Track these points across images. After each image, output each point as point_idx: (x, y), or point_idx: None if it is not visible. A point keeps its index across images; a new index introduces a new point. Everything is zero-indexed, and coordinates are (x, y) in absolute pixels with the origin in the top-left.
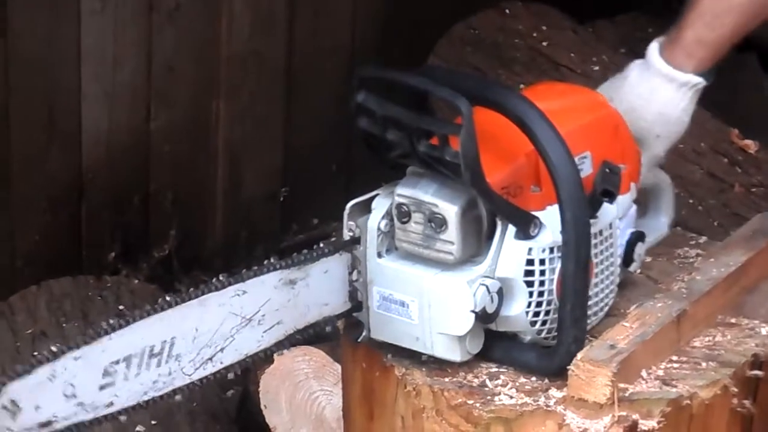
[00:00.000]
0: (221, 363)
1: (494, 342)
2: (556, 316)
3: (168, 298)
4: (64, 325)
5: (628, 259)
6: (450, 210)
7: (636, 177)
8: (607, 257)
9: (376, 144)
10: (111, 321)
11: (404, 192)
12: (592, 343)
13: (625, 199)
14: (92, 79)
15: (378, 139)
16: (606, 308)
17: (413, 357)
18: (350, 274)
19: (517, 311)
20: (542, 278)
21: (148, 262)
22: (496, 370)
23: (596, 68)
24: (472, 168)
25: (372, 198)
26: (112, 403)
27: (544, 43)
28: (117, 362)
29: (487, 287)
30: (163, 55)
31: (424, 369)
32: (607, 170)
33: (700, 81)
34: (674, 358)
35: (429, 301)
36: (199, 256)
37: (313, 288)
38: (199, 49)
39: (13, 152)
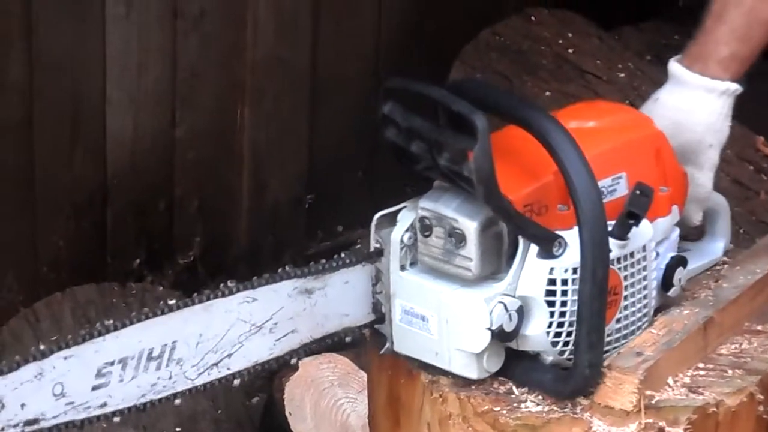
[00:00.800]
0: (228, 369)
1: (515, 361)
2: None
3: (170, 303)
4: None
5: (667, 283)
6: (470, 226)
7: (679, 200)
8: (639, 280)
9: (403, 156)
10: (106, 322)
11: (427, 205)
12: (620, 350)
13: (664, 222)
14: (117, 85)
15: (403, 151)
16: (638, 332)
17: None
18: (374, 285)
19: (538, 331)
20: (564, 299)
21: (173, 268)
22: None
23: (622, 75)
24: (485, 183)
25: (399, 210)
26: (105, 404)
27: (570, 50)
28: (111, 363)
29: (505, 305)
30: (187, 61)
31: (450, 376)
32: (638, 192)
33: (737, 87)
34: (701, 365)
35: (447, 317)
36: (225, 262)
37: (332, 298)
38: (224, 55)
39: (37, 158)
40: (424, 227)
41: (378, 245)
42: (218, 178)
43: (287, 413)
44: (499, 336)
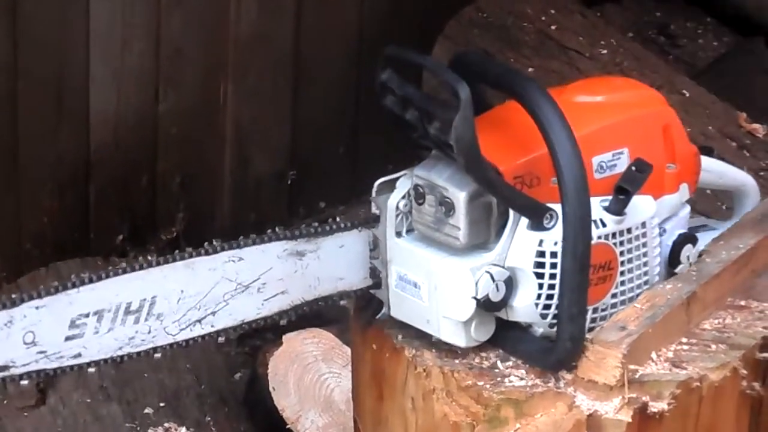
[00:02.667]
0: (212, 326)
1: (505, 331)
2: None
3: (149, 258)
4: None
5: (674, 260)
6: (458, 195)
7: (689, 178)
8: (638, 256)
9: (399, 123)
10: (81, 275)
11: (421, 174)
12: (603, 324)
13: (671, 199)
14: (100, 61)
15: (400, 118)
16: None
17: (423, 338)
18: (372, 251)
19: (526, 302)
20: (553, 271)
21: (155, 244)
22: None
23: (604, 52)
24: (465, 153)
25: (398, 178)
26: (79, 354)
27: (553, 27)
28: (86, 315)
29: (492, 275)
30: (170, 37)
31: (434, 350)
32: (633, 168)
33: None
34: (684, 340)
35: (435, 284)
36: (207, 238)
37: (325, 261)
38: (207, 31)
39: (21, 134)
40: (418, 195)
41: (376, 211)
42: (201, 154)
43: (271, 388)
44: (485, 305)
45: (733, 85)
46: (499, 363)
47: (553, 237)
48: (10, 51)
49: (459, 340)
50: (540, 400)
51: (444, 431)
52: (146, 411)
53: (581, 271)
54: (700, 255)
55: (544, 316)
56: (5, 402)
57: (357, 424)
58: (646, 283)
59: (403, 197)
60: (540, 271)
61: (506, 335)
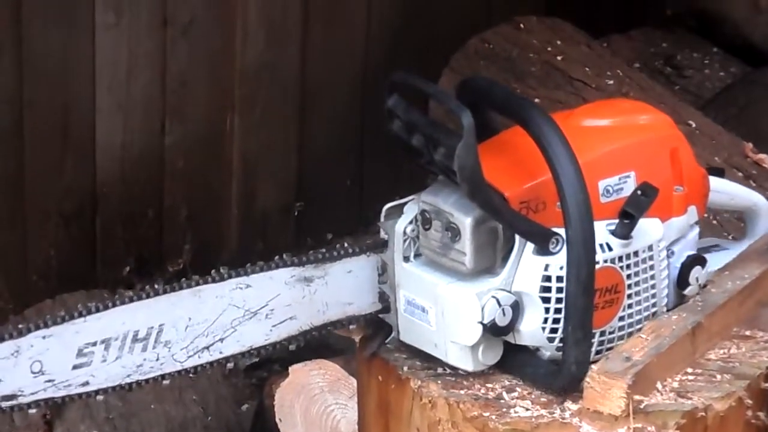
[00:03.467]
0: (221, 353)
1: (513, 355)
2: None
3: (156, 287)
4: None
5: (683, 282)
6: (464, 221)
7: (698, 200)
8: (646, 279)
9: (407, 149)
10: (87, 304)
11: (427, 199)
12: (608, 355)
13: (679, 222)
14: (106, 93)
15: (406, 144)
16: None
17: (429, 369)
18: (380, 275)
19: (533, 327)
20: (560, 295)
21: (162, 276)
22: (512, 383)
23: (610, 82)
24: (468, 180)
25: (406, 203)
26: (87, 383)
27: (559, 57)
28: (93, 344)
29: (498, 300)
30: (177, 69)
31: (440, 381)
32: (639, 192)
33: None
34: (689, 370)
35: (443, 309)
36: (214, 269)
37: (333, 287)
38: (213, 62)
39: (27, 166)
40: (425, 220)
41: (384, 236)
42: (207, 185)
43: (278, 420)
44: (492, 330)
45: (740, 115)
46: (504, 394)
47: (559, 261)
48: (16, 82)
49: (466, 364)
50: (545, 431)
51: None
52: None
53: (585, 295)
54: (704, 285)
55: (551, 340)
56: None
57: None
58: (654, 305)
59: (411, 222)
60: (546, 295)
61: (514, 359)
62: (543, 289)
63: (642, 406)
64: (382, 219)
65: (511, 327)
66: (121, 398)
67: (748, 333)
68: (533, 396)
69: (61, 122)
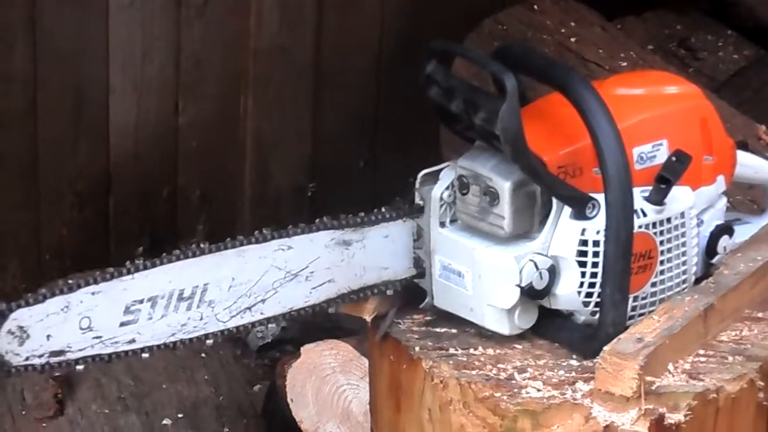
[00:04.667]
0: (262, 314)
1: (548, 319)
2: None
3: (201, 246)
4: None
5: (711, 251)
6: (503, 185)
7: (726, 170)
8: (677, 246)
9: (445, 115)
10: (135, 262)
11: (465, 164)
12: (620, 336)
13: (708, 191)
14: (120, 73)
15: (445, 110)
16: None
17: (441, 350)
18: (415, 241)
19: (569, 290)
20: (596, 260)
21: None
22: (524, 363)
23: (624, 64)
24: (512, 143)
25: (442, 169)
26: (133, 340)
27: (572, 39)
28: (140, 301)
29: (535, 264)
30: (191, 50)
31: (451, 362)
32: (674, 159)
33: None
34: (701, 352)
35: (480, 273)
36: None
37: (371, 251)
38: (228, 43)
39: (41, 146)
40: (462, 185)
41: (420, 202)
42: (221, 166)
43: (289, 400)
44: (529, 293)
45: (754, 98)
46: (516, 374)
47: (596, 226)
48: (30, 62)
49: (503, 327)
50: (557, 412)
51: None
52: (164, 422)
53: (624, 258)
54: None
55: (586, 304)
56: (24, 413)
57: None
58: (684, 273)
59: (447, 188)
60: (583, 259)
61: (548, 323)
62: (579, 254)
63: (653, 388)
64: (417, 185)
65: (548, 291)
66: (133, 378)
67: (760, 315)
68: (545, 377)
69: (75, 102)
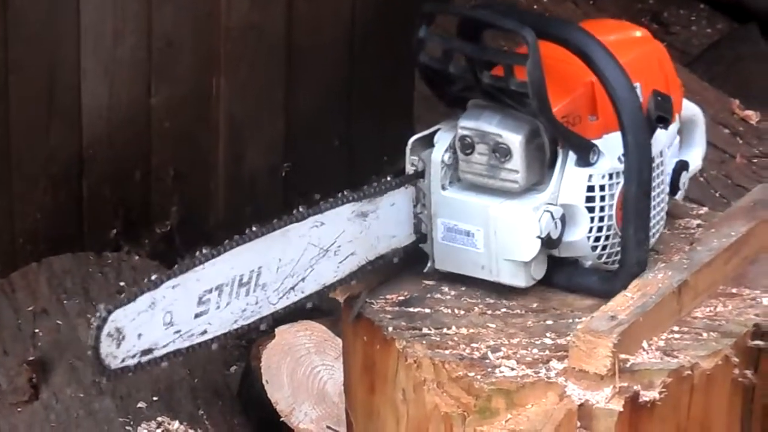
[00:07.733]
0: (303, 292)
1: (557, 268)
2: (615, 240)
3: (254, 229)
4: (65, 302)
5: (674, 187)
6: (514, 139)
7: (679, 108)
8: (659, 184)
9: (437, 79)
10: (204, 251)
11: (467, 124)
12: (593, 314)
13: (672, 129)
14: (92, 55)
15: (439, 73)
16: (657, 235)
17: (414, 329)
18: (415, 206)
19: (580, 236)
20: (602, 204)
21: (150, 238)
22: (497, 342)
23: None
24: (539, 96)
25: (433, 133)
26: (205, 331)
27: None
28: (210, 291)
29: (551, 213)
30: (162, 30)
31: (425, 342)
32: (659, 98)
33: None
34: (675, 328)
35: (495, 229)
36: (202, 231)
37: (383, 220)
38: (199, 23)
39: (13, 129)
40: (465, 146)
41: (415, 167)
42: (194, 147)
43: (264, 381)
44: (547, 243)
45: (727, 72)
46: (489, 353)
47: (600, 171)
48: (1, 45)
49: (520, 280)
50: (531, 391)
51: (435, 422)
52: (139, 405)
53: (646, 197)
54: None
55: (594, 248)
56: None
57: (349, 417)
58: (663, 210)
59: (446, 150)
60: (591, 205)
61: (559, 272)
62: (588, 200)
63: (628, 365)
64: (408, 152)
65: (561, 239)
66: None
67: (734, 291)
68: (518, 355)
69: (47, 85)
